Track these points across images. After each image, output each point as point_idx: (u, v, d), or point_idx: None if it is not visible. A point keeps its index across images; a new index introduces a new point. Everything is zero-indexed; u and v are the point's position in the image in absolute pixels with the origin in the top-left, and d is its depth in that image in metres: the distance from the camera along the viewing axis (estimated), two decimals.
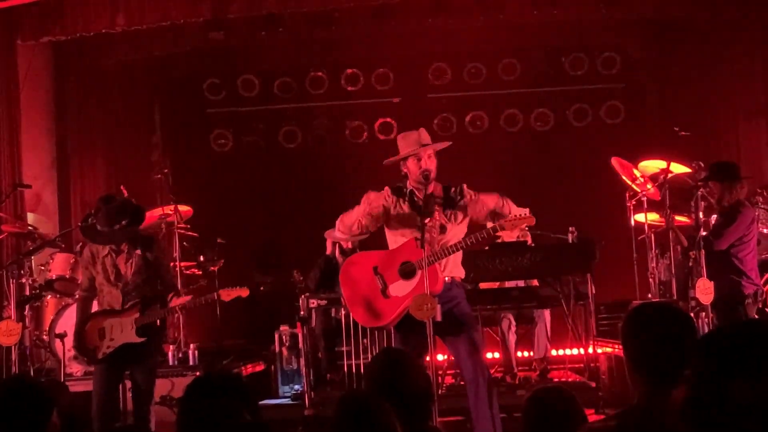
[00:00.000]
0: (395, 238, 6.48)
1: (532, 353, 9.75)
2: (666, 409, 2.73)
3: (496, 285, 9.26)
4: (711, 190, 8.05)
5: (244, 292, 7.06)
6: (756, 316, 7.54)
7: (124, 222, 6.76)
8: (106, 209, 6.80)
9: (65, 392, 7.37)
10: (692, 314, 7.42)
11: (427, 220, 6.21)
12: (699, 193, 8.02)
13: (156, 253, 6.95)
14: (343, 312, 8.77)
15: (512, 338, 9.39)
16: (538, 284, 9.25)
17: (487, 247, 6.60)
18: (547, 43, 12.66)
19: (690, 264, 8.91)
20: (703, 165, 8.35)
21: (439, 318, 6.00)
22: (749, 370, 1.91)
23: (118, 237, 6.78)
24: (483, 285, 9.20)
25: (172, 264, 9.69)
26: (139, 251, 6.82)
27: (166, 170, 10.44)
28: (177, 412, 3.38)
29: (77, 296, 7.25)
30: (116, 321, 6.82)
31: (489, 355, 9.90)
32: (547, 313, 9.50)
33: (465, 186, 6.51)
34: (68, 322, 8.42)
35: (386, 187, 6.54)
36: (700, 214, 8.16)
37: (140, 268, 6.83)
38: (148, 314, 6.80)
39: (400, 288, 6.32)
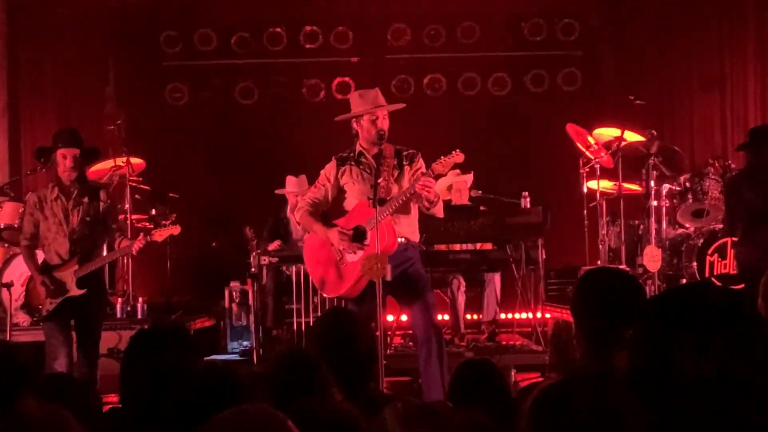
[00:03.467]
0: (350, 204, 6.50)
1: (481, 316, 9.82)
2: (608, 372, 2.76)
3: (444, 247, 9.30)
4: (664, 160, 8.14)
5: (175, 230, 7.10)
6: None
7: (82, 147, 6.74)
8: (70, 131, 6.79)
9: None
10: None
11: (380, 180, 6.21)
12: (651, 162, 8.09)
13: (105, 201, 6.90)
14: (294, 269, 8.76)
15: (461, 300, 9.43)
16: (490, 248, 9.29)
17: (442, 214, 6.58)
18: (507, 7, 12.65)
19: (639, 232, 9.04)
20: (655, 133, 8.42)
21: (389, 277, 6.01)
22: (693, 339, 1.82)
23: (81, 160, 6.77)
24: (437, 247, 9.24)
25: (122, 217, 9.61)
26: (86, 199, 6.78)
27: (119, 122, 10.31)
28: (120, 365, 3.36)
29: (21, 245, 7.11)
30: (55, 276, 6.77)
31: (438, 317, 9.94)
32: (497, 276, 9.55)
33: (419, 156, 6.52)
34: (15, 272, 8.34)
35: (333, 158, 6.57)
36: (651, 183, 8.25)
37: (87, 217, 6.78)
38: (87, 265, 6.75)
39: (356, 254, 6.33)
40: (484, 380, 3.69)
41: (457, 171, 9.27)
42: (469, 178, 6.33)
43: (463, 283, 9.43)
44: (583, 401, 2.05)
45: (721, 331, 1.80)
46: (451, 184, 9.49)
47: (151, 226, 10.05)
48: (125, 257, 9.51)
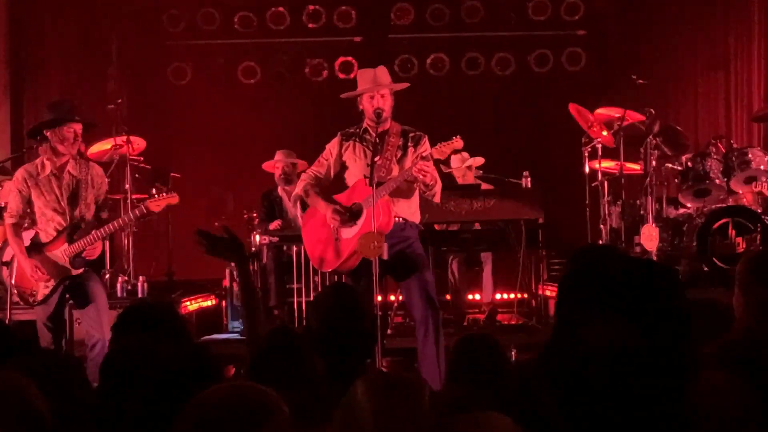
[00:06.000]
0: (350, 180, 6.53)
1: (480, 296, 9.82)
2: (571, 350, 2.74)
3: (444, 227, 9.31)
4: (665, 140, 8.10)
5: (173, 199, 6.90)
6: None
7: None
8: (69, 103, 6.72)
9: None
10: None
11: (377, 158, 6.23)
12: (649, 141, 8.05)
13: (102, 178, 6.84)
14: (294, 249, 8.77)
15: (461, 280, 9.44)
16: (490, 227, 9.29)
17: (438, 200, 6.59)
18: None
19: (641, 212, 9.01)
20: (654, 112, 8.38)
21: (386, 256, 6.03)
22: (599, 311, 1.81)
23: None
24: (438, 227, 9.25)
25: (123, 195, 9.62)
26: (84, 175, 6.69)
27: (120, 100, 10.28)
28: (108, 341, 3.36)
29: (6, 223, 6.88)
30: (46, 256, 6.66)
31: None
32: (490, 255, 9.58)
33: (426, 138, 6.53)
34: None
35: (338, 134, 6.58)
36: (652, 162, 8.22)
37: (83, 193, 6.69)
38: (80, 242, 6.62)
39: (350, 230, 6.35)
40: (484, 355, 3.65)
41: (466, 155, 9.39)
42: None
43: (463, 264, 9.44)
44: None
45: (622, 304, 1.79)
46: (471, 164, 9.58)
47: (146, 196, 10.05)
48: (126, 235, 9.52)
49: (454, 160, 9.49)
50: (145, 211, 6.77)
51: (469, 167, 9.61)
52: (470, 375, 3.41)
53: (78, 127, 6.67)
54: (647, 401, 1.71)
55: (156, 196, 6.87)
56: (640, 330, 1.74)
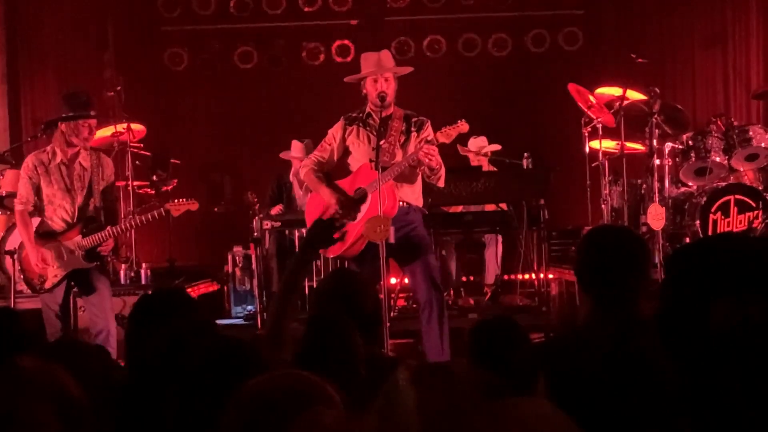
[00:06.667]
0: (354, 165, 6.54)
1: (482, 278, 9.83)
2: (609, 330, 2.75)
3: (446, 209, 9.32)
4: (666, 119, 8.09)
5: (193, 206, 6.92)
6: None
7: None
8: (85, 97, 6.69)
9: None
10: None
11: (381, 142, 6.24)
12: (653, 120, 8.05)
13: (112, 171, 6.85)
14: (296, 233, 8.77)
15: (458, 264, 9.48)
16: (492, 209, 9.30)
17: (443, 185, 6.60)
18: None
19: (642, 191, 9.01)
20: (658, 91, 8.37)
21: (392, 240, 6.04)
22: (730, 289, 1.81)
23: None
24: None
25: (124, 183, 9.61)
26: (95, 167, 6.68)
27: (118, 87, 10.26)
28: (125, 331, 3.36)
29: (16, 210, 6.86)
30: (57, 245, 6.66)
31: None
32: (499, 238, 9.58)
33: (429, 123, 6.53)
34: (18, 239, 8.30)
35: (341, 118, 6.60)
36: (654, 142, 8.22)
37: (95, 185, 6.68)
38: (94, 237, 6.61)
39: (356, 215, 6.37)
40: (504, 340, 3.58)
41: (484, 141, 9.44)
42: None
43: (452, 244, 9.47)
44: (599, 350, 2.03)
45: (759, 285, 1.78)
46: (488, 152, 9.61)
47: (153, 192, 10.03)
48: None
49: (473, 144, 9.51)
50: (164, 213, 6.84)
51: (485, 154, 9.66)
52: (489, 361, 3.41)
53: (93, 123, 6.68)
54: None
55: (177, 201, 6.91)
56: None
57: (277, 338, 3.36)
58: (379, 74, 6.43)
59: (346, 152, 6.62)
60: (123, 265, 9.20)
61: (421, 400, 1.70)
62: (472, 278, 10.10)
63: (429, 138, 6.33)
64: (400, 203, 6.34)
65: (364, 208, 6.32)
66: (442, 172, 6.37)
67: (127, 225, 6.96)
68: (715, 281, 1.83)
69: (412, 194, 6.51)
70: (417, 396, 1.70)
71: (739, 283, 1.80)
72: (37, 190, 6.71)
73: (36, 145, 9.80)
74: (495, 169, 9.49)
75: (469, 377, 1.77)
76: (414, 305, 8.51)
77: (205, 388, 2.22)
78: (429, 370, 1.83)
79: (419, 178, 6.52)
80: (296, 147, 9.58)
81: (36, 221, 6.90)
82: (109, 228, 6.65)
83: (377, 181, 6.03)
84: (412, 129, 6.51)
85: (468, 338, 3.70)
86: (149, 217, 6.81)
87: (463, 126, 6.29)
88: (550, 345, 2.96)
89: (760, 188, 8.53)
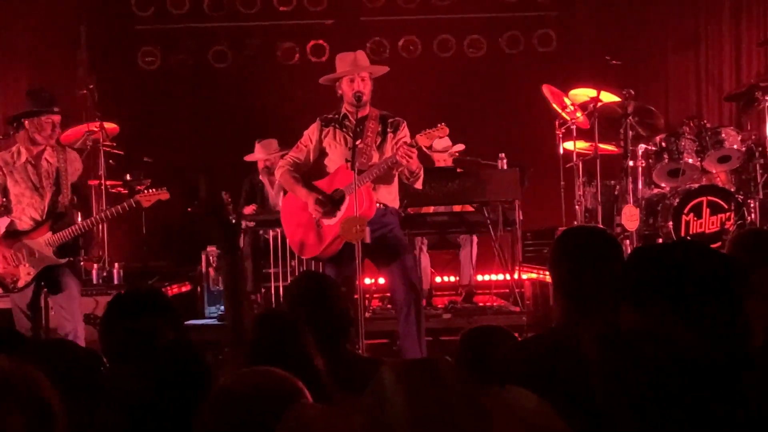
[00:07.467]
0: (331, 166, 6.54)
1: (458, 279, 9.85)
2: (583, 333, 2.75)
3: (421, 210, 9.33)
4: (639, 120, 8.14)
5: (164, 195, 6.89)
6: None
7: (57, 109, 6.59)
8: (48, 94, 6.65)
9: None
10: None
11: (358, 143, 6.24)
12: (628, 121, 8.09)
13: (80, 167, 6.81)
14: (271, 233, 8.75)
15: (426, 261, 9.48)
16: (467, 210, 9.31)
17: (420, 186, 6.61)
18: None
19: (615, 192, 9.06)
20: (633, 93, 8.42)
21: (368, 240, 6.05)
22: (670, 297, 1.82)
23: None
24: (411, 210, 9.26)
25: (97, 182, 9.55)
26: (62, 164, 6.65)
27: (91, 86, 10.20)
28: (98, 331, 3.34)
29: None
30: (27, 244, 6.61)
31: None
32: (474, 239, 9.59)
33: (405, 124, 6.54)
34: None
35: (317, 119, 6.59)
36: (629, 143, 8.26)
37: (62, 182, 6.64)
38: (64, 232, 6.59)
39: (333, 216, 6.38)
40: (492, 349, 3.58)
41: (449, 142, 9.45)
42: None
43: (425, 243, 9.48)
44: (557, 356, 2.05)
45: (707, 298, 1.79)
46: (454, 152, 9.64)
47: (126, 192, 9.98)
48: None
49: (439, 143, 9.52)
50: (134, 205, 6.79)
51: (450, 154, 9.69)
52: (479, 369, 3.40)
53: (56, 119, 6.66)
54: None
55: (146, 190, 6.87)
56: (721, 323, 1.75)
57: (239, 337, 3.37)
58: (356, 74, 6.43)
59: (322, 153, 6.61)
60: (95, 265, 9.14)
61: (409, 398, 1.69)
62: (446, 279, 10.11)
63: (406, 139, 6.34)
64: (377, 205, 6.35)
65: (343, 208, 6.33)
66: (421, 173, 6.40)
67: (98, 218, 6.93)
68: (631, 286, 1.86)
69: (389, 195, 6.52)
70: (405, 394, 1.70)
71: (650, 290, 1.83)
72: (4, 190, 6.69)
73: (7, 144, 9.75)
74: (461, 169, 9.49)
75: (455, 372, 1.77)
76: (389, 305, 8.51)
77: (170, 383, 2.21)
78: (414, 368, 1.82)
79: (396, 179, 6.54)
80: (258, 149, 9.70)
81: (6, 221, 6.86)
82: (79, 222, 6.65)
83: (354, 183, 6.04)
84: (389, 130, 6.52)
85: (458, 347, 3.71)
86: (119, 209, 6.76)
87: (443, 130, 6.32)
88: (525, 346, 2.97)
89: (732, 190, 8.59)
